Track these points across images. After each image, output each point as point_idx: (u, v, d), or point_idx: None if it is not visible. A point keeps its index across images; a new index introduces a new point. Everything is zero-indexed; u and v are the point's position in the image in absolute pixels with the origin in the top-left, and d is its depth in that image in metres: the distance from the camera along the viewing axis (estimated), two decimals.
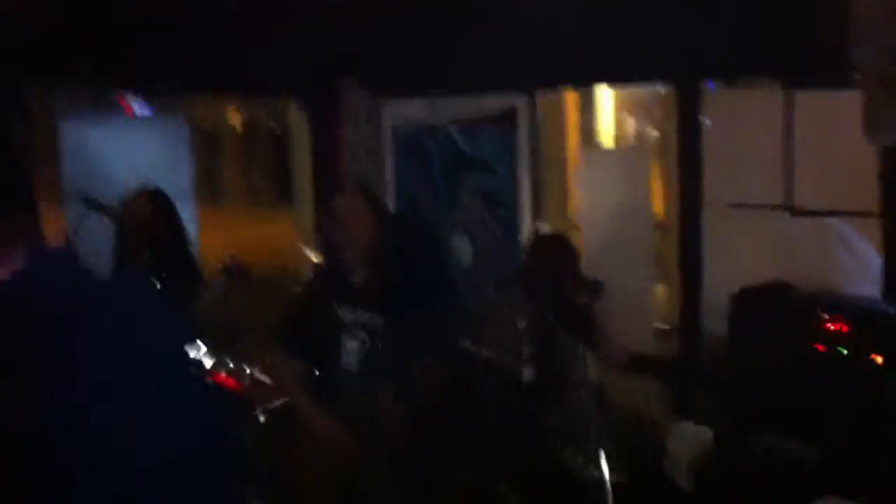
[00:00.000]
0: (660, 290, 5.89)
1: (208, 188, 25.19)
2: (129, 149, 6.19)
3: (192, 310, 4.01)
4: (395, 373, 3.36)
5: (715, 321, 4.86)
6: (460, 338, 3.42)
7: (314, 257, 4.32)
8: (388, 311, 3.40)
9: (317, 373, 3.55)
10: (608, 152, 7.15)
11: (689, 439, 4.60)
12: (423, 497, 3.52)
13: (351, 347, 3.45)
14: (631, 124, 7.89)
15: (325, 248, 3.54)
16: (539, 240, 5.04)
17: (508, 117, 6.02)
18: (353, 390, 3.43)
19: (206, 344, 4.62)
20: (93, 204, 4.39)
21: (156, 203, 4.30)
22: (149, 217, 4.23)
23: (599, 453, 3.62)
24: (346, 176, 6.64)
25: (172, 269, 4.19)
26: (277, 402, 4.83)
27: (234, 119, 27.33)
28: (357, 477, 3.39)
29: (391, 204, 6.57)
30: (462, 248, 6.30)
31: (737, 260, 4.97)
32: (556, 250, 4.61)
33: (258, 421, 5.02)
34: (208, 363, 4.78)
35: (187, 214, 6.31)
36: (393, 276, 3.46)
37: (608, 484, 3.51)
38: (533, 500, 3.73)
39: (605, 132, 7.78)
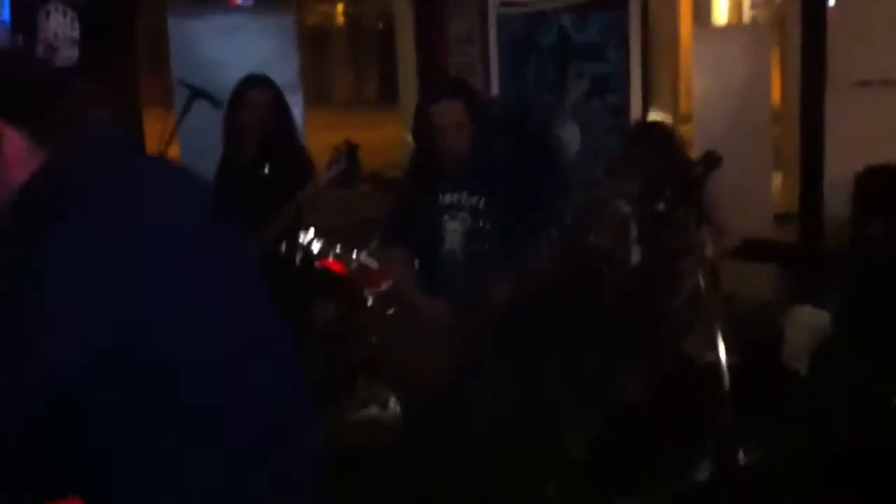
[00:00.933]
0: (778, 175, 5.68)
1: (314, 86, 25.37)
2: (237, 43, 6.24)
3: (302, 197, 4.05)
4: (499, 254, 3.33)
5: (837, 204, 4.67)
6: (567, 221, 3.34)
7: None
8: (488, 191, 3.36)
9: (421, 258, 3.55)
10: (723, 31, 6.83)
11: (807, 324, 4.47)
12: (529, 381, 3.52)
13: (453, 229, 3.42)
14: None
15: (422, 137, 3.49)
16: (643, 126, 4.91)
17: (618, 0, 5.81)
18: (457, 273, 3.41)
19: (313, 230, 4.70)
20: (197, 91, 4.46)
21: (268, 92, 4.31)
22: (261, 105, 4.24)
23: (717, 338, 3.53)
24: (448, 73, 6.56)
25: (283, 157, 4.23)
26: (384, 287, 4.90)
27: (340, 15, 27.26)
28: (461, 361, 3.40)
29: (497, 93, 6.51)
30: (571, 136, 6.19)
31: (861, 140, 4.74)
32: (661, 135, 4.50)
33: (366, 304, 5.12)
34: (316, 248, 4.87)
35: (295, 110, 6.41)
36: (493, 158, 3.41)
37: (725, 369, 3.41)
38: (649, 387, 3.68)
39: (720, 10, 7.44)
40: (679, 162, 4.33)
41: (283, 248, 4.36)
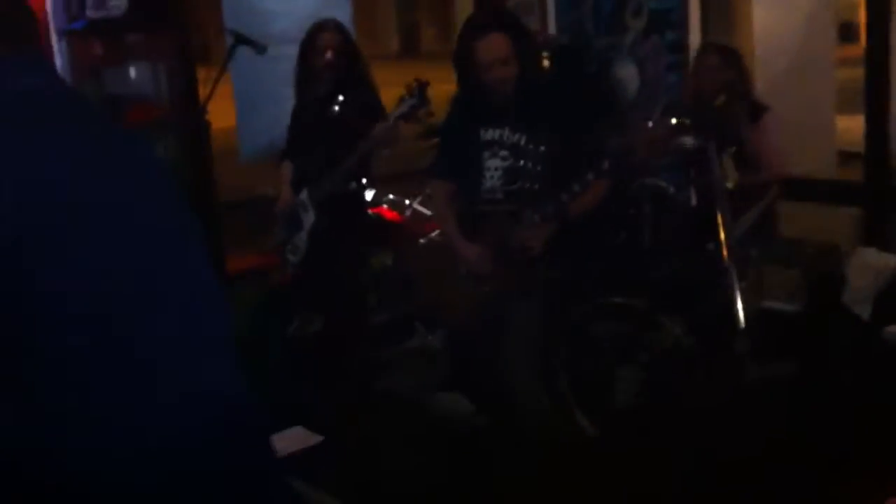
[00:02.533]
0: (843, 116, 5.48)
1: (369, 35, 25.28)
2: None
3: (376, 133, 4.10)
4: (540, 193, 3.26)
5: None
6: (615, 161, 3.23)
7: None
8: (531, 129, 3.28)
9: (464, 194, 3.50)
10: None
11: (872, 267, 4.32)
12: (572, 316, 3.48)
13: (494, 166, 3.36)
14: None
15: (466, 71, 3.41)
16: (702, 50, 4.76)
17: None
18: (495, 212, 3.36)
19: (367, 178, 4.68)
20: (240, 38, 4.49)
21: (338, 35, 4.38)
22: (332, 48, 4.32)
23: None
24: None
25: (356, 97, 4.28)
26: (435, 233, 4.88)
27: None
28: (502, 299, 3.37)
29: (554, 30, 6.38)
30: (629, 75, 6.03)
31: None
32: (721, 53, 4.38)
33: (419, 248, 5.11)
34: (369, 196, 4.86)
35: None
36: (539, 96, 3.32)
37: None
38: (693, 331, 3.59)
39: None
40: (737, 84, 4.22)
41: (355, 186, 4.42)
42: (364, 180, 4.52)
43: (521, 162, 3.31)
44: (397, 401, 4.39)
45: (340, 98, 4.34)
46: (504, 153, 3.35)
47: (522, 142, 3.31)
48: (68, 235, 1.43)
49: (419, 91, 3.97)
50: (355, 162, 4.23)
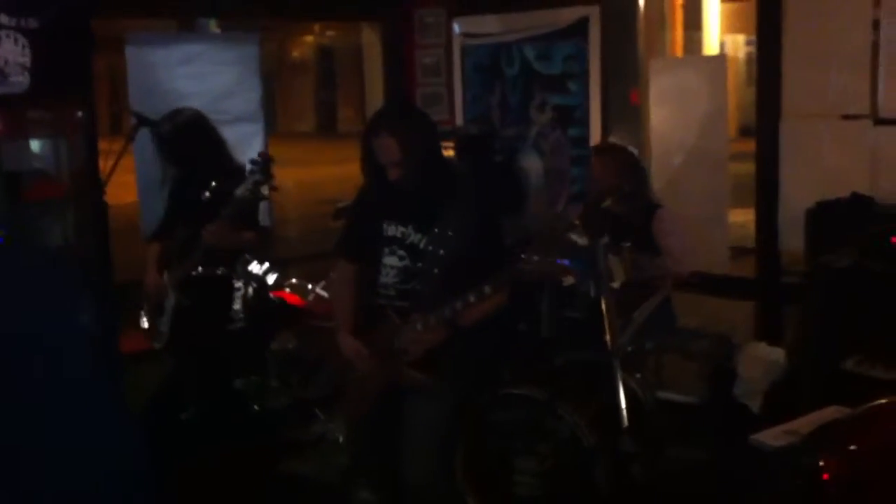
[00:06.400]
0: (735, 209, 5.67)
1: (283, 117, 25.38)
2: (198, 72, 6.19)
3: (233, 207, 4.03)
4: (432, 296, 3.25)
5: (793, 237, 4.66)
6: (516, 261, 3.25)
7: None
8: (432, 230, 3.28)
9: (362, 281, 3.49)
10: (681, 62, 6.82)
11: (762, 361, 4.44)
12: (471, 405, 3.48)
13: (389, 264, 3.36)
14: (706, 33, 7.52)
15: (366, 168, 3.43)
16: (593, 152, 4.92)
17: (579, 30, 5.81)
18: (392, 304, 3.35)
19: (268, 262, 4.66)
20: (142, 120, 4.49)
21: (187, 119, 4.36)
22: (180, 130, 4.30)
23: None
24: (404, 102, 6.55)
25: (217, 177, 4.22)
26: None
27: (306, 43, 27.29)
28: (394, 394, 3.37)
29: (462, 121, 6.51)
30: (534, 165, 6.17)
31: (815, 173, 4.72)
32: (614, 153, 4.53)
33: (320, 333, 5.06)
34: (271, 280, 4.82)
35: (257, 140, 6.36)
36: (440, 196, 3.32)
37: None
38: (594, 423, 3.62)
39: (676, 42, 7.43)
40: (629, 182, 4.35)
41: (222, 271, 4.35)
42: (264, 264, 4.48)
43: (418, 264, 3.30)
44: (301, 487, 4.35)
45: (203, 181, 4.23)
46: (401, 252, 3.34)
47: (422, 244, 3.29)
48: None
49: (262, 165, 3.94)
50: (209, 236, 4.12)
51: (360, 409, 3.51)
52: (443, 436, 3.38)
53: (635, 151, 4.65)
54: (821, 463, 2.22)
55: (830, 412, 2.72)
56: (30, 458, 1.50)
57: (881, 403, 2.49)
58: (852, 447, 2.32)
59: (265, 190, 3.97)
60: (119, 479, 1.59)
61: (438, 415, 3.31)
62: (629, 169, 4.47)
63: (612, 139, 5.27)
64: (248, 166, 4.01)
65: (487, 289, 3.12)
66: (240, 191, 3.96)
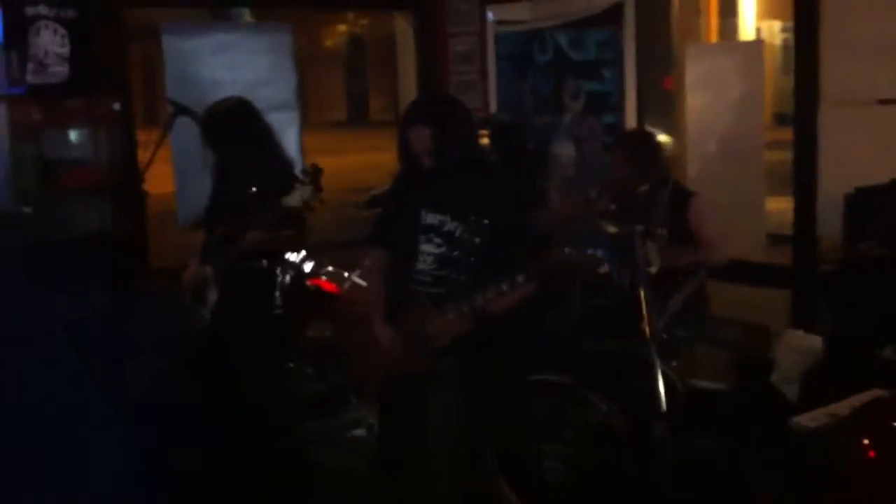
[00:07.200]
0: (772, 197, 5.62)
1: (314, 105, 25.45)
2: (232, 61, 6.23)
3: (276, 214, 4.03)
4: (467, 284, 3.27)
5: (830, 224, 4.62)
6: (549, 251, 3.26)
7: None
8: (468, 219, 3.30)
9: (397, 269, 3.51)
10: (717, 48, 6.76)
11: (799, 348, 4.41)
12: (495, 395, 3.49)
13: (426, 251, 3.39)
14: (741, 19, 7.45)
15: (403, 157, 3.45)
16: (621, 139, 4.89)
17: (614, 16, 5.78)
18: (427, 290, 3.37)
19: (305, 250, 4.68)
20: (179, 108, 4.51)
21: (236, 109, 4.36)
22: (225, 122, 4.30)
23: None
24: (442, 91, 6.55)
25: (261, 169, 4.22)
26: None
27: (338, 33, 27.32)
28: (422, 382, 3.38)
29: (495, 109, 6.50)
30: (566, 153, 6.15)
31: (853, 159, 4.67)
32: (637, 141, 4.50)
33: (356, 320, 5.08)
34: (308, 268, 4.84)
35: (291, 130, 6.39)
36: (475, 185, 3.35)
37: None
38: (624, 410, 3.62)
39: (712, 29, 7.37)
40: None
41: (265, 264, 4.35)
42: (301, 252, 4.50)
43: (455, 252, 3.33)
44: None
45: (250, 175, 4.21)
46: (438, 240, 3.37)
47: (458, 231, 3.33)
48: None
49: (313, 178, 3.91)
50: (251, 242, 4.12)
51: (389, 397, 3.53)
52: (462, 419, 3.38)
53: (663, 138, 4.62)
54: (865, 441, 2.21)
55: (869, 395, 2.71)
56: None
57: None
58: None
59: (313, 202, 3.94)
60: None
61: (458, 399, 3.32)
62: (656, 153, 4.46)
63: (646, 125, 5.25)
64: (299, 175, 3.97)
65: (520, 279, 3.13)
66: (288, 201, 3.94)
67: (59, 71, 5.16)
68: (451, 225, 3.35)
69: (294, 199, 3.92)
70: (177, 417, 4.18)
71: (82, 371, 1.64)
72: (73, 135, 5.64)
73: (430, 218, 3.40)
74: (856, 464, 2.18)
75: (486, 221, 3.27)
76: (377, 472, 3.92)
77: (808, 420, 2.75)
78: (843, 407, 2.67)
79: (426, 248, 3.39)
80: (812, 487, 2.59)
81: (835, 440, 2.35)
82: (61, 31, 5.15)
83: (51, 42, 5.12)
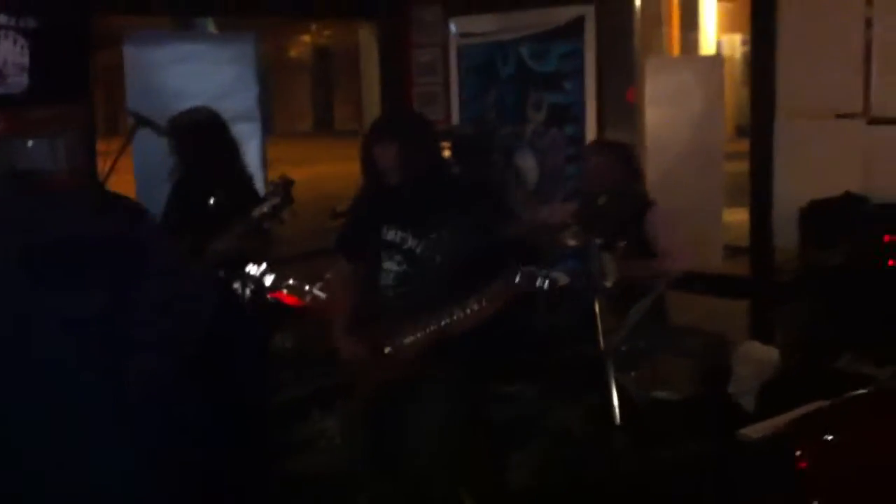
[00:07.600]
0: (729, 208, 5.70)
1: (280, 116, 25.37)
2: (194, 71, 6.19)
3: (246, 225, 4.01)
4: (426, 301, 3.27)
5: (786, 235, 4.68)
6: (513, 265, 3.27)
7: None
8: (428, 236, 3.31)
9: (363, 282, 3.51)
10: (677, 62, 6.84)
11: (756, 359, 4.46)
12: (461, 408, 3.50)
13: (387, 268, 3.39)
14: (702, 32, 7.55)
15: (366, 173, 3.45)
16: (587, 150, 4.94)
17: (576, 28, 5.83)
18: (391, 304, 3.38)
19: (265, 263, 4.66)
20: (141, 119, 4.48)
21: (206, 122, 4.33)
22: (193, 133, 4.30)
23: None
24: (402, 106, 6.56)
25: (225, 183, 4.21)
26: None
27: (303, 43, 27.28)
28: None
29: (458, 120, 6.53)
30: (529, 164, 6.19)
31: (809, 172, 4.74)
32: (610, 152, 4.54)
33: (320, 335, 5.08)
34: (268, 281, 4.83)
35: (254, 141, 6.36)
36: (437, 202, 3.34)
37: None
38: (586, 420, 3.66)
39: (673, 42, 7.45)
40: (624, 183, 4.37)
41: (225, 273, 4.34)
42: (261, 265, 4.49)
43: (414, 270, 3.33)
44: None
45: (210, 189, 4.25)
46: (398, 258, 3.37)
47: (419, 249, 3.33)
48: None
49: (284, 190, 3.90)
50: (212, 255, 4.09)
51: (357, 407, 3.53)
52: (438, 430, 3.39)
53: (632, 147, 4.67)
54: (797, 452, 2.24)
55: (813, 407, 2.75)
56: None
57: (859, 394, 2.52)
58: (830, 437, 2.34)
59: (284, 214, 3.93)
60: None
61: (432, 413, 3.33)
62: (624, 166, 4.50)
63: (608, 137, 5.30)
64: (269, 187, 3.97)
65: (484, 301, 3.14)
66: (256, 212, 3.92)
67: (19, 81, 5.11)
68: (412, 242, 3.35)
69: (262, 210, 3.91)
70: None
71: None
72: (33, 144, 5.57)
73: (391, 235, 3.41)
74: (794, 474, 2.22)
75: (446, 238, 3.28)
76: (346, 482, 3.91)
77: (753, 431, 2.79)
78: (786, 418, 2.71)
79: (387, 265, 3.39)
80: (753, 499, 2.63)
81: (772, 452, 2.39)
82: (21, 40, 5.10)
83: (10, 51, 5.08)
